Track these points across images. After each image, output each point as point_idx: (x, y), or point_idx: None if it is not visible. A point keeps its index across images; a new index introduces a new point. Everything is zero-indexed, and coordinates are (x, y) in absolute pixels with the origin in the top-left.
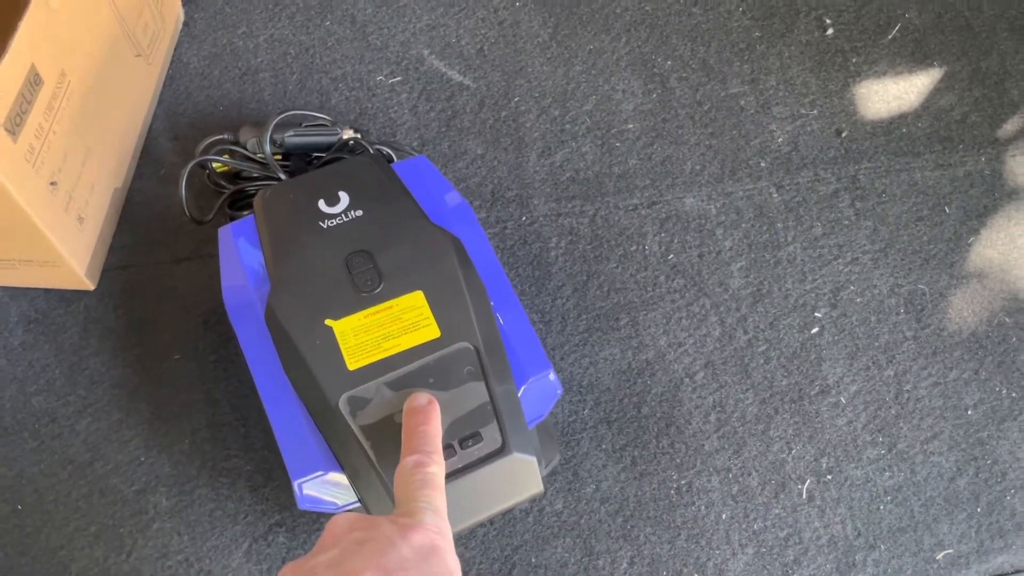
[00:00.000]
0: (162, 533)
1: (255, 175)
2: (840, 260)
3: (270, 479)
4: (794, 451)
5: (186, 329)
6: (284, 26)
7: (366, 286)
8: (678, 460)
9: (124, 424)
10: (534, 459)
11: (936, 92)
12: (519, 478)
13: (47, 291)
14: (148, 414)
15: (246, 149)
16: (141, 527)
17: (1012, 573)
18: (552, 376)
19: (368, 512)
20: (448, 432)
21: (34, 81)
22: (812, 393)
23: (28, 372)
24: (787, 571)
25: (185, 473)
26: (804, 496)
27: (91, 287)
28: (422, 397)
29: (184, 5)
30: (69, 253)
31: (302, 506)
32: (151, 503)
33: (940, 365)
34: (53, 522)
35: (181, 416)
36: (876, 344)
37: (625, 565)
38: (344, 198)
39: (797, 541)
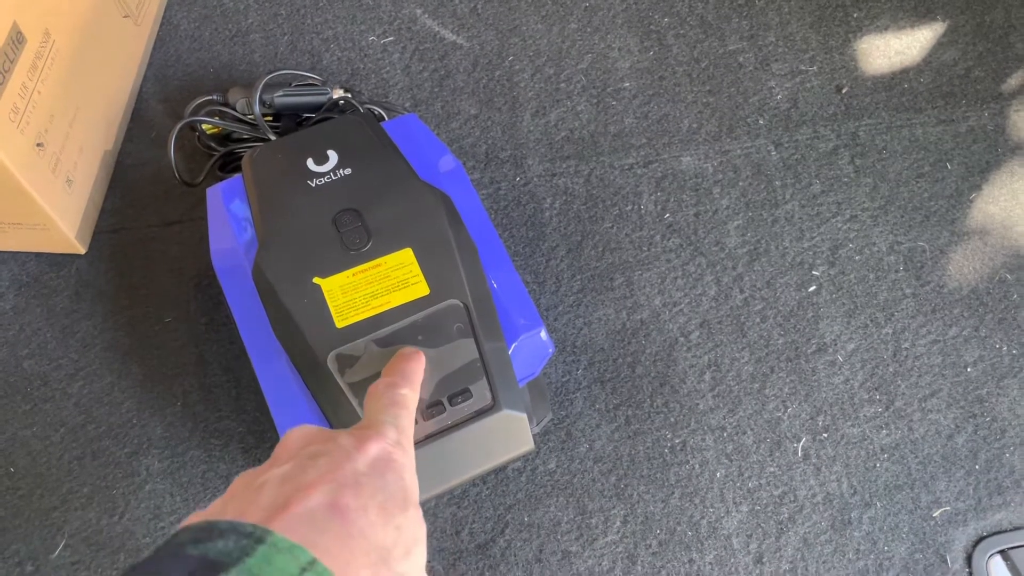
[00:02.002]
0: (154, 495)
1: (245, 136)
2: (839, 218)
3: (262, 440)
4: (790, 409)
5: (177, 291)
6: None
7: (354, 244)
8: (672, 419)
9: (116, 387)
10: (524, 416)
11: (939, 46)
12: (509, 435)
13: (38, 255)
14: (140, 376)
15: (235, 110)
16: (134, 489)
17: (1010, 530)
18: (543, 334)
19: None
20: (437, 389)
21: (16, 39)
22: (809, 351)
23: (20, 336)
24: (781, 529)
25: (177, 435)
26: (799, 454)
27: (82, 250)
28: (409, 349)
29: None
30: (58, 215)
31: None
32: (143, 465)
33: (940, 322)
34: (46, 484)
35: (173, 378)
36: (874, 302)
37: (618, 524)
38: (333, 156)
39: (792, 499)
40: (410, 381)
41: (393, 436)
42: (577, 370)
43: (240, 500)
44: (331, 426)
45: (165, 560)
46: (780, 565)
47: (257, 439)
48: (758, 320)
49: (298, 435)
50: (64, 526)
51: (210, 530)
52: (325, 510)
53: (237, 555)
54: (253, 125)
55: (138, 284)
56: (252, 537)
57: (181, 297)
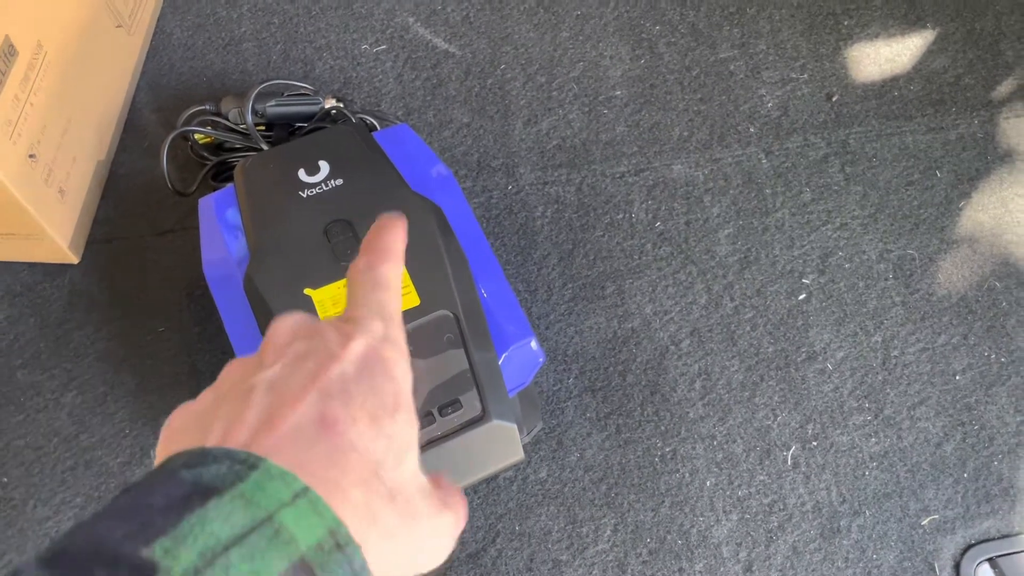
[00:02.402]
0: None
1: (238, 146)
2: (829, 225)
3: None
4: (779, 418)
5: (170, 301)
6: None
7: (345, 255)
8: (663, 428)
9: (109, 396)
10: (514, 426)
11: (929, 54)
12: (499, 445)
13: (31, 265)
14: (133, 386)
15: (228, 120)
16: None
17: (998, 538)
18: (534, 344)
19: None
20: (427, 400)
21: (8, 52)
22: (798, 360)
23: (13, 346)
24: (771, 537)
25: None
26: (789, 462)
27: (75, 260)
28: (387, 215)
29: None
30: (51, 226)
31: None
32: (136, 475)
33: (928, 330)
34: (40, 494)
35: (166, 388)
36: (864, 310)
37: (609, 532)
38: (324, 167)
39: (781, 507)
40: (391, 255)
41: (379, 330)
42: (568, 379)
43: (229, 406)
44: None
45: (159, 483)
46: (770, 574)
47: None
48: (748, 328)
49: (284, 327)
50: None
51: (204, 455)
52: (313, 426)
53: (231, 480)
54: (245, 135)
55: (131, 294)
56: (246, 464)
57: (174, 307)
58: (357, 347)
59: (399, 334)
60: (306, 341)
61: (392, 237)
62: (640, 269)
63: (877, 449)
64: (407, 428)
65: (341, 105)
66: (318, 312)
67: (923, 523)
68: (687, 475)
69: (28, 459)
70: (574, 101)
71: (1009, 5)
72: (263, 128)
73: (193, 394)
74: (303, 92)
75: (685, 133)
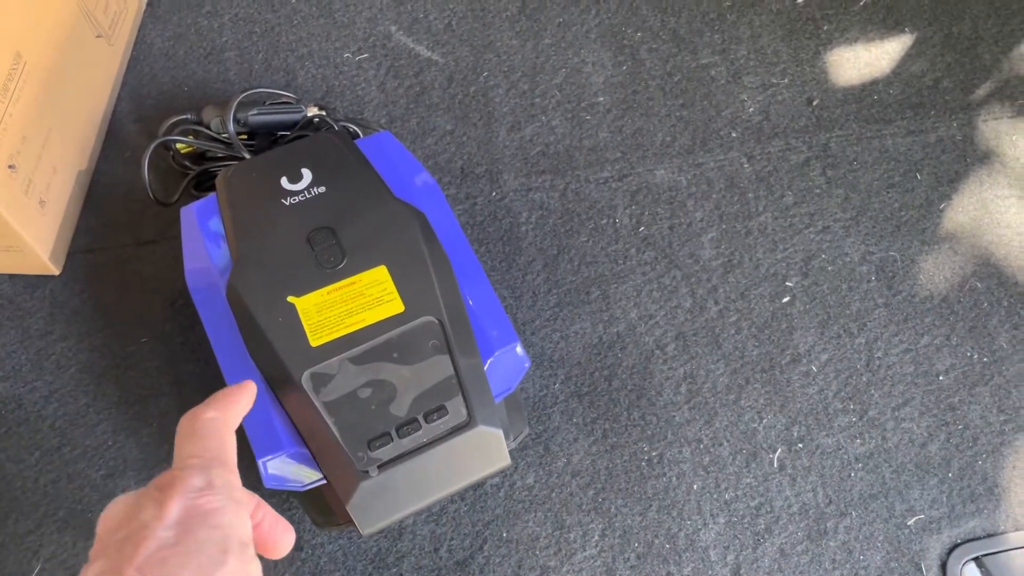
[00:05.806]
0: None
1: (220, 155)
2: (811, 229)
3: (239, 461)
4: (765, 420)
5: (153, 312)
6: (249, 4)
7: (328, 262)
8: (649, 432)
9: (91, 408)
10: (500, 432)
11: (908, 58)
12: (486, 451)
13: (12, 277)
14: (115, 398)
15: (210, 129)
16: None
17: (984, 537)
18: (519, 349)
19: (333, 488)
20: (413, 406)
21: None
22: (783, 362)
23: None
24: (758, 540)
25: (153, 456)
26: (775, 465)
27: (56, 272)
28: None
29: None
30: (31, 237)
31: (268, 485)
32: (120, 487)
33: (911, 332)
34: (21, 508)
35: (148, 399)
36: (847, 312)
37: (596, 538)
38: (307, 175)
39: (768, 510)
40: (218, 404)
41: (198, 481)
42: (554, 384)
43: None
44: (306, 446)
45: None
46: None
47: None
48: (733, 332)
49: (110, 516)
50: (40, 550)
51: None
52: None
53: None
54: (227, 144)
55: (113, 305)
56: None
57: (156, 317)
58: (172, 509)
59: (227, 478)
60: (125, 527)
61: (228, 391)
62: (624, 274)
63: (862, 450)
64: (238, 573)
65: (324, 113)
66: (301, 319)
67: (909, 523)
68: (674, 479)
69: (9, 472)
70: (557, 107)
71: (986, 9)
72: (245, 137)
73: (176, 405)
74: (285, 100)
75: (668, 138)
